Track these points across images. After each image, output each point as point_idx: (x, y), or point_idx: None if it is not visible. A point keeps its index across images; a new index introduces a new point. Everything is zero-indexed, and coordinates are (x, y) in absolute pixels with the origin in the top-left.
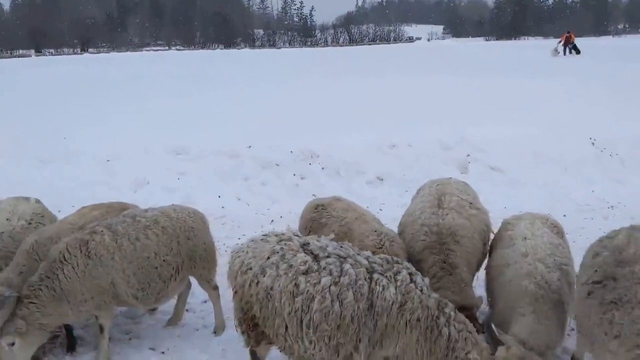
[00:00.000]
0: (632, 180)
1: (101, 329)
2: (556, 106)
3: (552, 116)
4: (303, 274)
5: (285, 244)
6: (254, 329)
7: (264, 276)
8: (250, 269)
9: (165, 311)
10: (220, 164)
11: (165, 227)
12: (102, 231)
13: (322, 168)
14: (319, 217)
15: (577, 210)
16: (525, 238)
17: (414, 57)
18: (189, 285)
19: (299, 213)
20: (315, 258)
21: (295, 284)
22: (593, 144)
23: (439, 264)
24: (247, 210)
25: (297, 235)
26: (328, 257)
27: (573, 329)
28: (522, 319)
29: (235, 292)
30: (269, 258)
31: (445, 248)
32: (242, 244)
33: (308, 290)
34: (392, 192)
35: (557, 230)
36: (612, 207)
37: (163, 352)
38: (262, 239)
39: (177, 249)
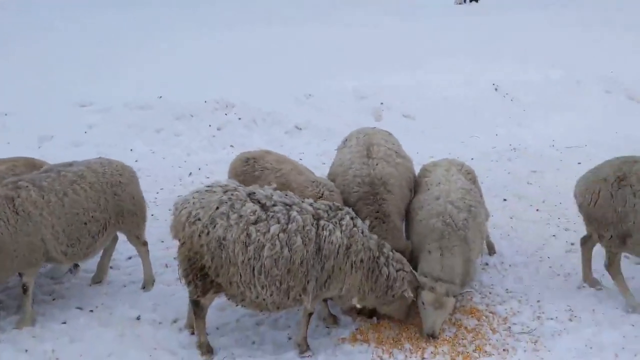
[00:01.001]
0: (532, 124)
1: (25, 288)
2: (461, 55)
3: (458, 64)
4: (253, 223)
5: (232, 194)
6: (203, 279)
7: (214, 227)
8: (199, 219)
9: (88, 269)
10: (130, 116)
11: (93, 182)
12: (27, 186)
13: (239, 118)
14: (251, 170)
15: (483, 154)
16: (439, 183)
17: (324, 4)
18: (116, 239)
19: (218, 164)
20: (263, 207)
21: (247, 234)
22: (496, 89)
23: (373, 214)
24: (162, 164)
25: (240, 186)
26: (275, 205)
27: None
28: (429, 256)
29: (183, 244)
30: (218, 208)
31: (379, 198)
32: (185, 196)
33: (259, 239)
34: (311, 142)
35: (471, 177)
36: (515, 149)
37: (91, 311)
38: (207, 190)
39: (105, 205)
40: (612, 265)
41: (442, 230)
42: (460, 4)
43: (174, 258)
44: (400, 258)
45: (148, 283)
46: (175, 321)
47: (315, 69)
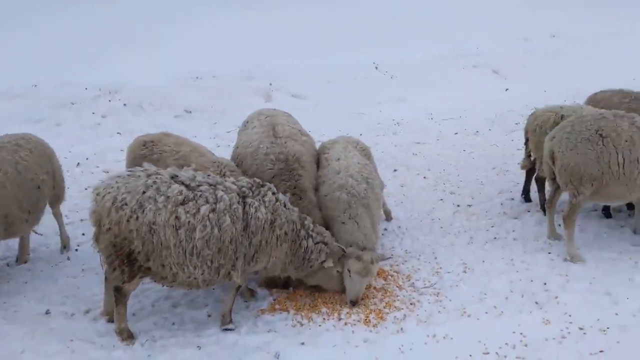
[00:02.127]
0: (411, 99)
1: None
2: (342, 37)
3: (340, 45)
4: (181, 204)
5: (156, 177)
6: (130, 265)
7: (143, 211)
8: (126, 204)
9: None
10: (2, 107)
11: (30, 149)
12: None
13: (124, 104)
14: (149, 153)
15: (370, 129)
16: (338, 159)
17: None
18: None
19: (106, 153)
20: (189, 187)
21: (177, 216)
22: (377, 68)
23: (291, 190)
24: None
25: (159, 169)
26: (200, 185)
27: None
28: (345, 227)
29: (108, 230)
30: (144, 192)
31: (295, 174)
32: (105, 181)
33: (189, 221)
34: (202, 125)
35: (365, 153)
36: (398, 123)
37: None
38: (129, 175)
39: (46, 167)
40: (571, 216)
41: (348, 200)
42: None
43: (76, 250)
44: (322, 230)
45: (66, 243)
46: (87, 311)
47: (202, 51)
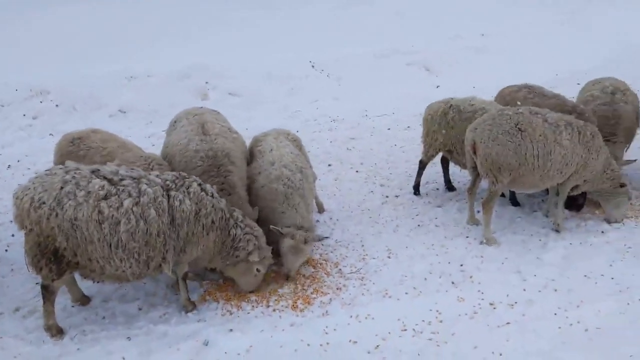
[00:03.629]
0: (347, 96)
1: None
2: (279, 35)
3: (277, 43)
4: (104, 198)
5: (75, 173)
6: (58, 262)
7: (62, 207)
8: (44, 202)
9: None
10: None
11: None
12: None
13: (56, 105)
14: (76, 150)
15: (307, 125)
16: (271, 150)
17: None
18: None
19: (38, 155)
20: (111, 182)
21: (99, 211)
22: (313, 66)
23: (219, 186)
24: None
25: (81, 165)
26: (123, 179)
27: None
28: (284, 215)
29: (30, 230)
30: (62, 188)
31: (223, 170)
32: (24, 183)
33: (113, 215)
34: (136, 124)
35: (297, 144)
36: (334, 120)
37: None
38: (46, 174)
39: None
40: (490, 202)
41: (285, 192)
42: None
43: (6, 250)
44: (251, 223)
45: None
46: (17, 309)
47: (136, 49)
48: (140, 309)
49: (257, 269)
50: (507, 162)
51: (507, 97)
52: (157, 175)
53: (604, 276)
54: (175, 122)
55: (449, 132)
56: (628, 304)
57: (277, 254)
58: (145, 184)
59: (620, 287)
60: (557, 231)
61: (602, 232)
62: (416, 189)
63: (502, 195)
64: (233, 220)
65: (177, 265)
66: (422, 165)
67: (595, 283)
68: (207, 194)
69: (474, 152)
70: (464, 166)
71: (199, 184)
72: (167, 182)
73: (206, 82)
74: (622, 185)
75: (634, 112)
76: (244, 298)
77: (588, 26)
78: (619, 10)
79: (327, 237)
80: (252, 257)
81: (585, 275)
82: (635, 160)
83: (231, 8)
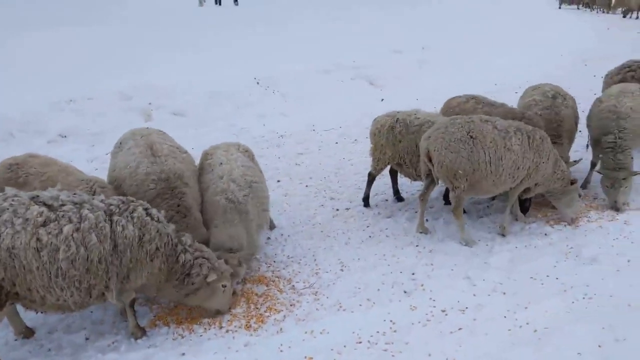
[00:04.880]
0: (293, 112)
1: None
2: (224, 52)
3: (221, 61)
4: (42, 225)
5: (12, 199)
6: None
7: (0, 236)
8: None
9: None
10: None
11: None
12: None
13: None
14: (15, 176)
15: (254, 143)
16: (221, 163)
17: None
18: None
19: None
20: (50, 208)
21: (37, 238)
22: (258, 83)
23: (174, 208)
24: None
25: (20, 191)
26: (63, 205)
27: None
28: (216, 230)
29: None
30: (0, 217)
31: (178, 192)
32: None
33: (52, 242)
34: (78, 148)
35: (249, 155)
36: (281, 136)
37: None
38: None
39: None
40: (457, 207)
41: (225, 205)
42: (202, 6)
43: None
44: (200, 247)
45: None
46: None
47: (74, 72)
48: (87, 339)
49: (222, 285)
50: (461, 168)
51: (456, 108)
52: (101, 200)
53: (549, 277)
54: (120, 143)
55: (396, 146)
56: (573, 302)
57: None
58: (88, 209)
59: (564, 286)
60: (503, 235)
61: (545, 234)
62: (366, 201)
63: (447, 203)
64: (181, 246)
65: (122, 293)
66: (371, 178)
67: (542, 284)
68: (152, 219)
69: (429, 160)
70: (413, 178)
71: (145, 209)
72: (111, 207)
73: (149, 103)
74: (573, 183)
75: (574, 115)
76: (196, 321)
77: (523, 39)
78: (552, 25)
79: (256, 258)
80: (210, 277)
81: (531, 277)
82: (581, 160)
83: (172, 28)
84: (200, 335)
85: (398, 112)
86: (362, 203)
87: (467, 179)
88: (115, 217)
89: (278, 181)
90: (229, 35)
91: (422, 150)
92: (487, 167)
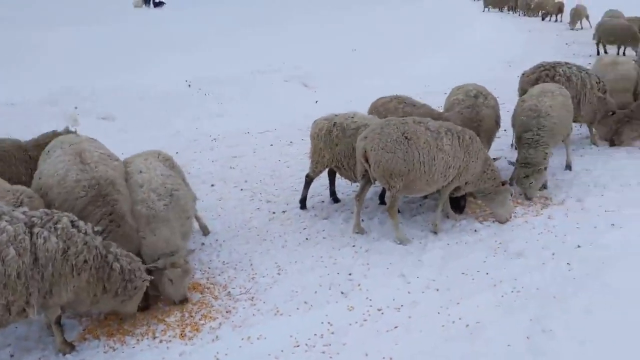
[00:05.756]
0: (227, 114)
1: None
2: (154, 54)
3: (151, 63)
4: None
5: None
6: None
7: None
8: None
9: None
10: None
11: None
12: None
13: None
14: None
15: (188, 146)
16: (140, 172)
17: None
18: None
19: None
20: None
21: None
22: (190, 85)
23: (107, 217)
24: None
25: None
26: None
27: None
28: (145, 241)
29: None
30: None
31: (110, 199)
32: None
33: None
34: None
35: (169, 163)
36: (215, 139)
37: None
38: None
39: None
40: (392, 207)
41: (147, 214)
42: (139, 7)
43: None
44: (128, 253)
45: None
46: None
47: None
48: (12, 356)
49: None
50: (397, 168)
51: (380, 107)
52: (23, 212)
53: (480, 272)
54: (48, 151)
55: (334, 149)
56: (502, 296)
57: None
58: (6, 221)
59: (494, 281)
60: (435, 233)
61: (475, 230)
62: (302, 203)
63: (383, 203)
64: (112, 256)
65: (46, 309)
66: (309, 180)
67: (472, 279)
68: (79, 231)
69: (366, 161)
70: (352, 180)
71: (71, 220)
72: (33, 219)
73: (75, 107)
74: (503, 184)
75: (495, 115)
76: (128, 332)
77: (452, 42)
78: (478, 27)
79: (192, 250)
80: (147, 281)
81: (462, 273)
82: (499, 158)
83: (102, 28)
84: (133, 347)
85: (336, 116)
86: (299, 205)
87: (403, 178)
88: (36, 229)
89: (212, 185)
90: (160, 36)
91: (359, 151)
92: (421, 167)
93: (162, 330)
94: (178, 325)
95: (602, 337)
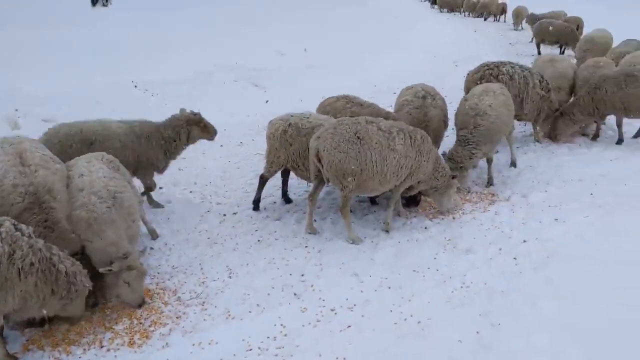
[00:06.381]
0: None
1: None
2: (100, 55)
3: (97, 64)
4: None
5: None
6: None
7: None
8: None
9: None
10: None
11: None
12: None
13: None
14: None
15: None
16: (82, 175)
17: None
18: None
19: None
20: None
21: None
22: (136, 86)
23: (42, 224)
24: None
25: None
26: None
27: None
28: (92, 245)
29: None
30: None
31: (46, 207)
32: None
33: None
34: None
35: (114, 165)
36: None
37: None
38: None
39: None
40: (345, 206)
41: (88, 218)
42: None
43: None
44: (67, 256)
45: None
46: None
47: None
48: None
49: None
50: (350, 168)
51: (328, 107)
52: None
53: (430, 269)
54: None
55: (288, 150)
56: (452, 292)
57: None
58: None
59: (444, 277)
60: (387, 231)
61: (426, 227)
62: (256, 204)
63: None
64: (57, 257)
65: None
66: (263, 181)
67: (423, 276)
68: (22, 234)
69: (319, 161)
70: (308, 180)
71: (14, 224)
72: None
73: (16, 110)
74: (454, 177)
75: (442, 115)
76: (74, 342)
77: (401, 42)
78: (426, 28)
79: (143, 250)
80: (87, 283)
81: (414, 270)
82: (444, 155)
83: (42, 28)
84: (79, 357)
85: (292, 116)
86: (252, 206)
87: (355, 178)
88: None
89: (160, 188)
90: (105, 37)
91: (312, 151)
92: (373, 166)
93: (109, 339)
94: (127, 333)
95: (547, 329)
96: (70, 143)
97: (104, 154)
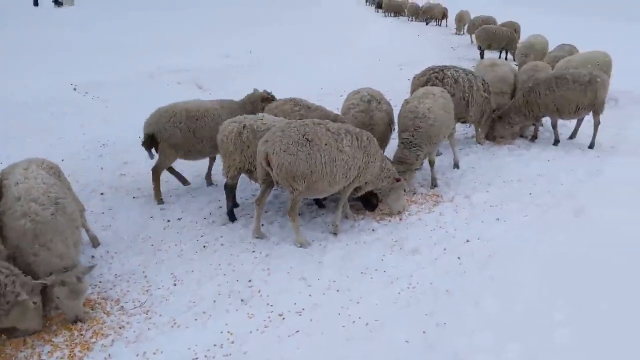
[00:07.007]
0: (116, 119)
1: None
2: (36, 57)
3: (32, 66)
4: None
5: None
6: None
7: None
8: None
9: None
10: None
11: None
12: None
13: None
14: None
15: (74, 154)
16: (18, 183)
17: None
18: None
19: None
20: None
21: None
22: (75, 89)
23: None
24: None
25: None
26: None
27: None
28: (37, 258)
29: None
30: None
31: None
32: None
33: None
34: None
35: (54, 171)
36: (104, 145)
37: None
38: None
39: None
40: (293, 209)
41: (34, 228)
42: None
43: None
44: (6, 264)
45: None
46: None
47: None
48: None
49: (33, 302)
50: (300, 170)
51: (275, 110)
52: None
53: (377, 270)
54: None
55: (245, 152)
56: (399, 293)
57: None
58: None
59: (391, 278)
60: (335, 234)
61: (373, 229)
62: (231, 215)
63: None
64: None
65: None
66: (229, 189)
67: (371, 278)
68: None
69: (268, 164)
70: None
71: None
72: None
73: None
74: (398, 180)
75: (388, 118)
76: (10, 357)
77: (346, 45)
78: (371, 31)
79: (95, 265)
80: (21, 297)
81: (361, 272)
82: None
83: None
84: None
85: (245, 118)
86: (228, 218)
87: (305, 180)
88: None
89: (102, 194)
90: (43, 38)
91: (260, 155)
92: (323, 168)
93: (48, 352)
94: (67, 346)
95: (489, 328)
96: (180, 120)
97: (44, 159)
